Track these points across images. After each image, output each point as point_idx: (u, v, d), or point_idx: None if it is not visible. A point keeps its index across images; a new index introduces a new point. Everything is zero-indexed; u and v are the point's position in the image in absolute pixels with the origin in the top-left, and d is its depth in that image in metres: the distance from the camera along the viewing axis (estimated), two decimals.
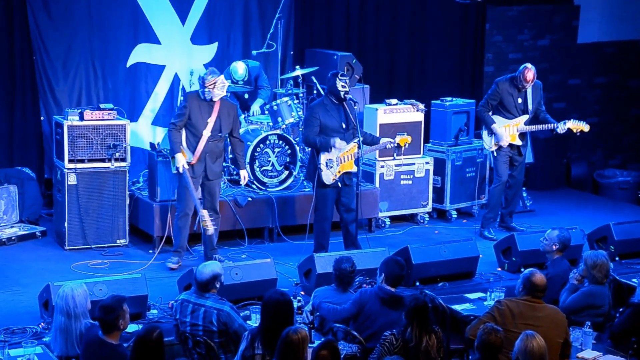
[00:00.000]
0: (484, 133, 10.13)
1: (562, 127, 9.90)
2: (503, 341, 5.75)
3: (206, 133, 8.74)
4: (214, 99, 8.76)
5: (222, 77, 8.79)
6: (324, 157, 8.81)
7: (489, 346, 5.70)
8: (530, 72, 9.78)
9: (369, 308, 6.69)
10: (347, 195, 8.97)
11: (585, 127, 9.93)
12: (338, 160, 8.85)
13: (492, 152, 10.10)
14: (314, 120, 8.80)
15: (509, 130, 9.98)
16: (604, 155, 13.81)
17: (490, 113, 10.02)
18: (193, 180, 8.74)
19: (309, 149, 9.22)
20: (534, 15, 12.99)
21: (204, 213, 8.68)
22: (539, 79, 10.06)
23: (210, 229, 8.68)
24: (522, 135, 10.03)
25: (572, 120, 9.99)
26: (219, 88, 8.73)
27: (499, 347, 5.72)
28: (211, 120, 8.75)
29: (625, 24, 13.58)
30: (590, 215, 11.10)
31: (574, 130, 9.97)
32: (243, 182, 9.23)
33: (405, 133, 9.53)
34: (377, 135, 9.87)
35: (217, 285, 6.68)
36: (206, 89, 8.73)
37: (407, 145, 9.32)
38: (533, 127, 10.01)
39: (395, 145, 9.25)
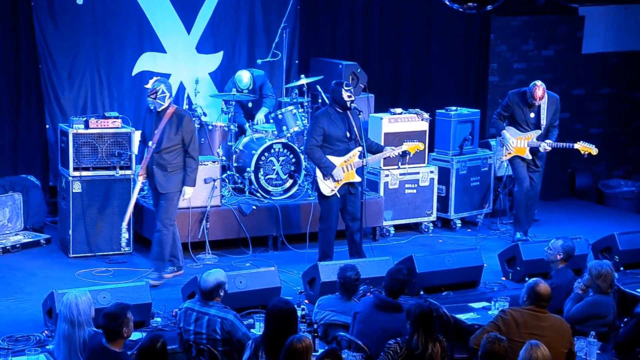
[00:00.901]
0: (500, 142, 10.18)
1: (543, 147, 9.94)
2: (507, 350, 5.74)
3: (151, 144, 8.62)
4: (158, 109, 8.58)
5: (162, 86, 8.53)
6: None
7: (493, 355, 5.69)
8: (539, 89, 9.81)
9: (363, 314, 6.72)
10: (353, 204, 8.97)
11: (594, 151, 9.99)
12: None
13: (507, 161, 10.14)
14: (317, 129, 8.80)
15: (519, 142, 10.00)
16: (608, 165, 13.79)
17: (504, 123, 10.08)
18: (151, 192, 8.78)
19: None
20: (538, 25, 13.00)
21: (122, 226, 8.77)
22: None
23: (122, 242, 8.73)
24: (533, 150, 10.03)
25: (581, 142, 10.07)
26: (160, 98, 8.52)
27: (502, 356, 5.71)
28: (157, 132, 8.58)
29: (630, 34, 13.57)
30: (594, 225, 11.09)
31: (582, 152, 10.02)
32: (184, 197, 8.74)
33: (416, 140, 9.54)
34: (382, 144, 9.89)
35: (221, 294, 6.68)
36: (149, 99, 8.61)
37: (416, 152, 9.35)
38: (553, 144, 10.03)
39: (400, 153, 9.26)
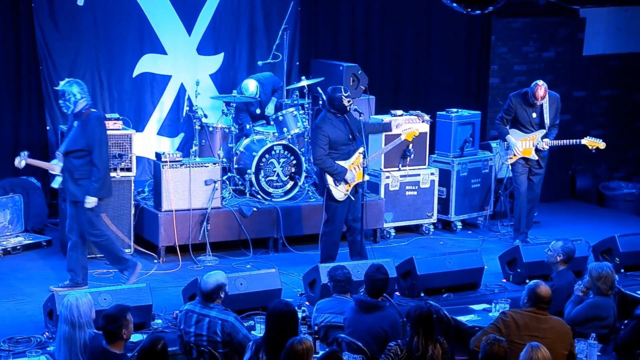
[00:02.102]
0: (504, 146, 10.19)
1: (542, 146, 9.97)
2: (506, 352, 5.74)
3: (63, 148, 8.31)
4: (67, 112, 8.25)
5: (72, 88, 8.03)
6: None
7: (493, 357, 5.69)
8: (540, 89, 9.81)
9: (349, 319, 6.76)
10: (355, 205, 8.97)
11: (602, 145, 10.03)
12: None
13: (509, 165, 10.16)
14: (323, 138, 8.77)
15: (525, 144, 10.01)
16: (609, 167, 13.81)
17: (507, 127, 10.07)
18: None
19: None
20: (539, 27, 13.01)
21: (27, 157, 8.26)
22: None
23: (20, 162, 8.18)
24: (539, 150, 10.05)
25: (588, 137, 10.09)
26: (67, 100, 8.10)
27: (502, 358, 5.71)
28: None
29: (631, 36, 13.58)
30: (595, 227, 11.09)
31: (589, 147, 10.05)
32: (85, 207, 8.18)
33: (411, 128, 9.55)
34: (382, 145, 9.94)
35: (222, 296, 6.69)
36: (60, 101, 8.27)
37: (413, 139, 9.40)
38: (551, 142, 10.04)
39: (401, 132, 9.41)
